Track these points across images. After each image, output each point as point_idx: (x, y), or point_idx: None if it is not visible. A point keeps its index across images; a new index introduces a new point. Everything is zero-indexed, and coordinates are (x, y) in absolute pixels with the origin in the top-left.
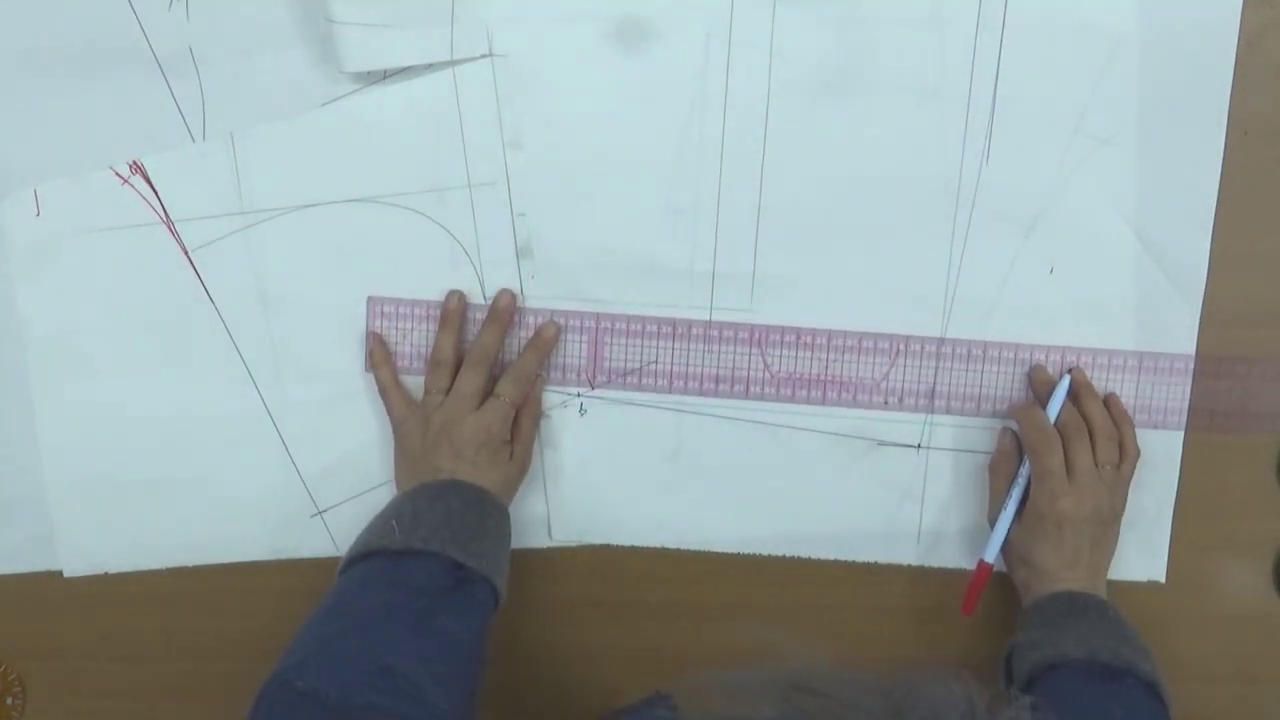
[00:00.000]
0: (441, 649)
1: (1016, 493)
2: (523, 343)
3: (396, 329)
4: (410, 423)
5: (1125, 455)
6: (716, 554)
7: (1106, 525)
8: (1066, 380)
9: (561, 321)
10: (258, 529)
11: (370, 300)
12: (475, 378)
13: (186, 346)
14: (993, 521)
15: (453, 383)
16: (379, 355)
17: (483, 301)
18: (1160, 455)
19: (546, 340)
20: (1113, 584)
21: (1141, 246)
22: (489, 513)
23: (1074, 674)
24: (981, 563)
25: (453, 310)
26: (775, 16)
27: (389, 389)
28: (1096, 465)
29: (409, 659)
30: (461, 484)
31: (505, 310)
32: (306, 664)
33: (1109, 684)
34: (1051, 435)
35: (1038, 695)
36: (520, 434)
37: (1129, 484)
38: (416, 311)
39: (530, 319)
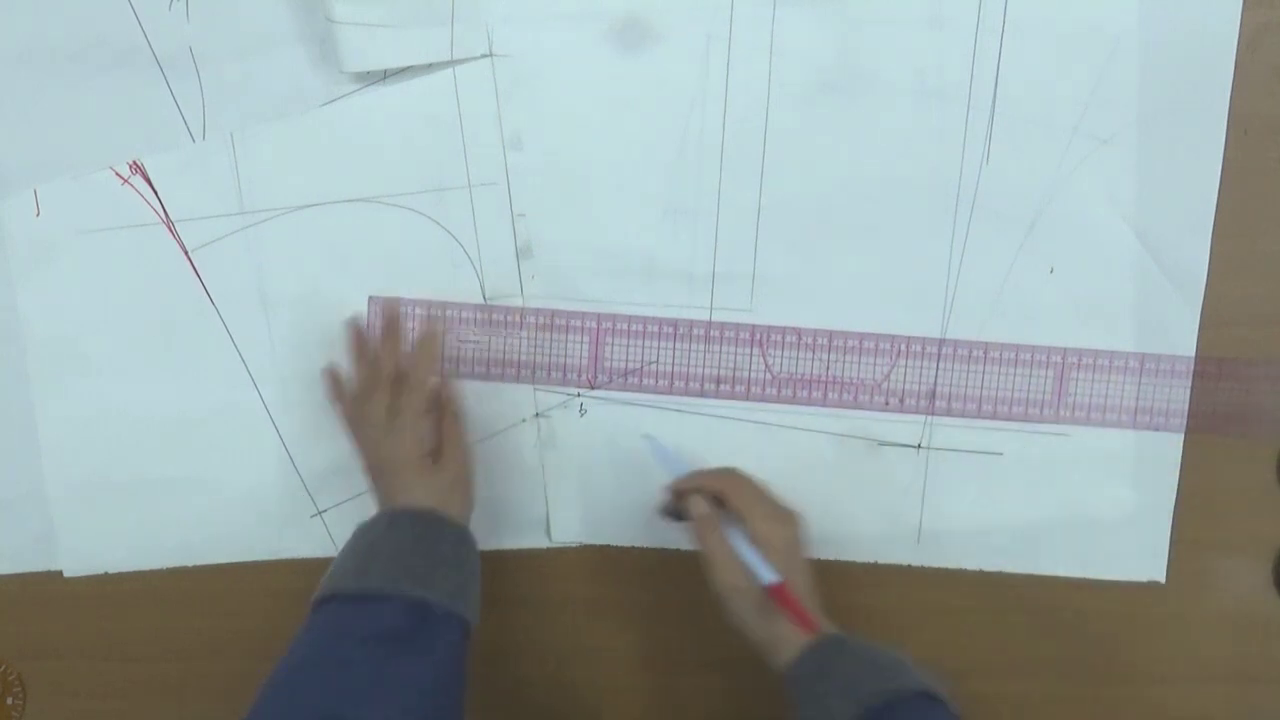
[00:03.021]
0: (402, 696)
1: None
2: (523, 342)
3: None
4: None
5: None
6: None
7: (805, 545)
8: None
9: (562, 322)
10: (258, 529)
11: (371, 300)
12: (378, 399)
13: (186, 346)
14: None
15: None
16: (335, 390)
17: (482, 301)
18: (1160, 456)
19: (431, 338)
20: (1112, 584)
21: (1141, 246)
22: (443, 538)
23: None
24: (778, 586)
25: (393, 320)
26: (775, 17)
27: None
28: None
29: (364, 706)
30: (409, 513)
31: (393, 320)
32: (259, 714)
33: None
34: (731, 474)
35: None
36: (445, 437)
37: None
38: (417, 311)
39: (531, 319)
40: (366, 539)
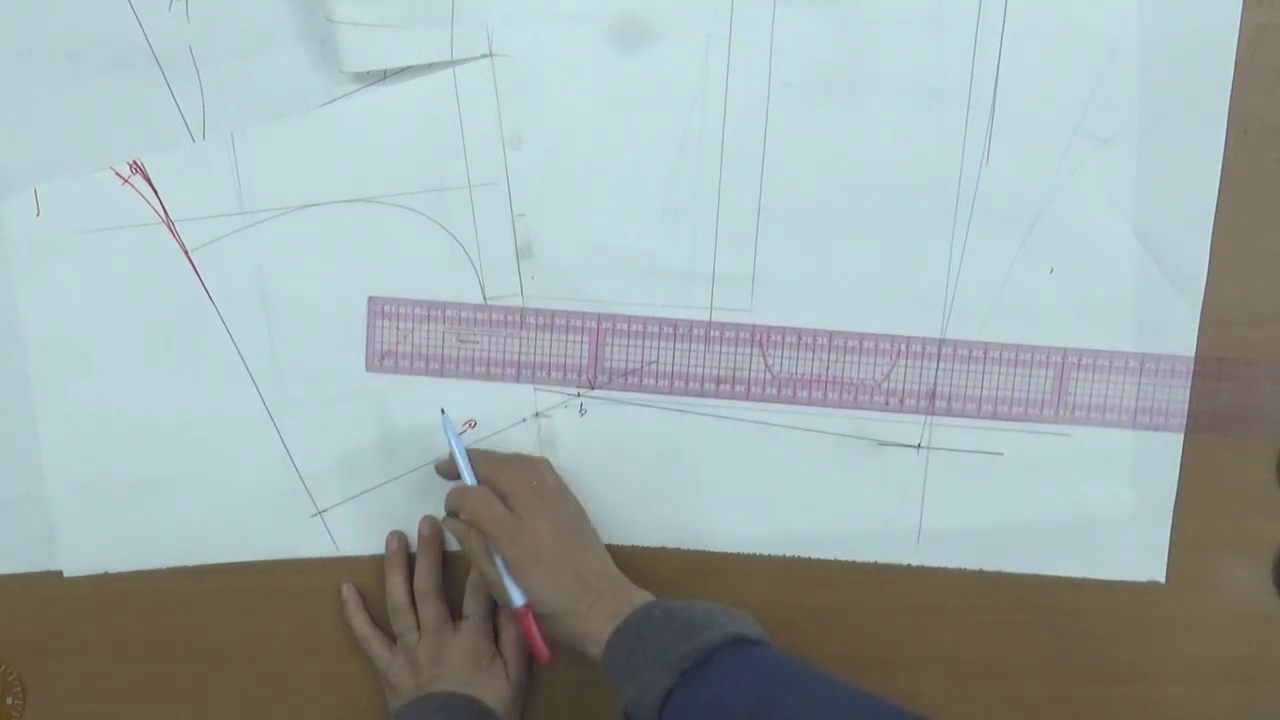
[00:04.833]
0: None
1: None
2: (523, 343)
3: (397, 329)
4: (395, 666)
5: (535, 466)
6: (716, 554)
7: (579, 520)
8: (450, 430)
9: (562, 323)
10: (257, 529)
11: (371, 300)
12: (435, 607)
13: (186, 346)
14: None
15: (417, 619)
16: (353, 604)
17: (482, 301)
18: (1160, 456)
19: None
20: (1112, 584)
21: (1141, 247)
22: None
23: (679, 699)
24: (522, 609)
25: (394, 552)
26: (775, 17)
27: (368, 638)
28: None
29: None
30: (469, 699)
31: (432, 538)
32: None
33: (709, 675)
34: (471, 491)
35: None
36: (508, 652)
37: (559, 487)
38: (417, 311)
39: (531, 319)
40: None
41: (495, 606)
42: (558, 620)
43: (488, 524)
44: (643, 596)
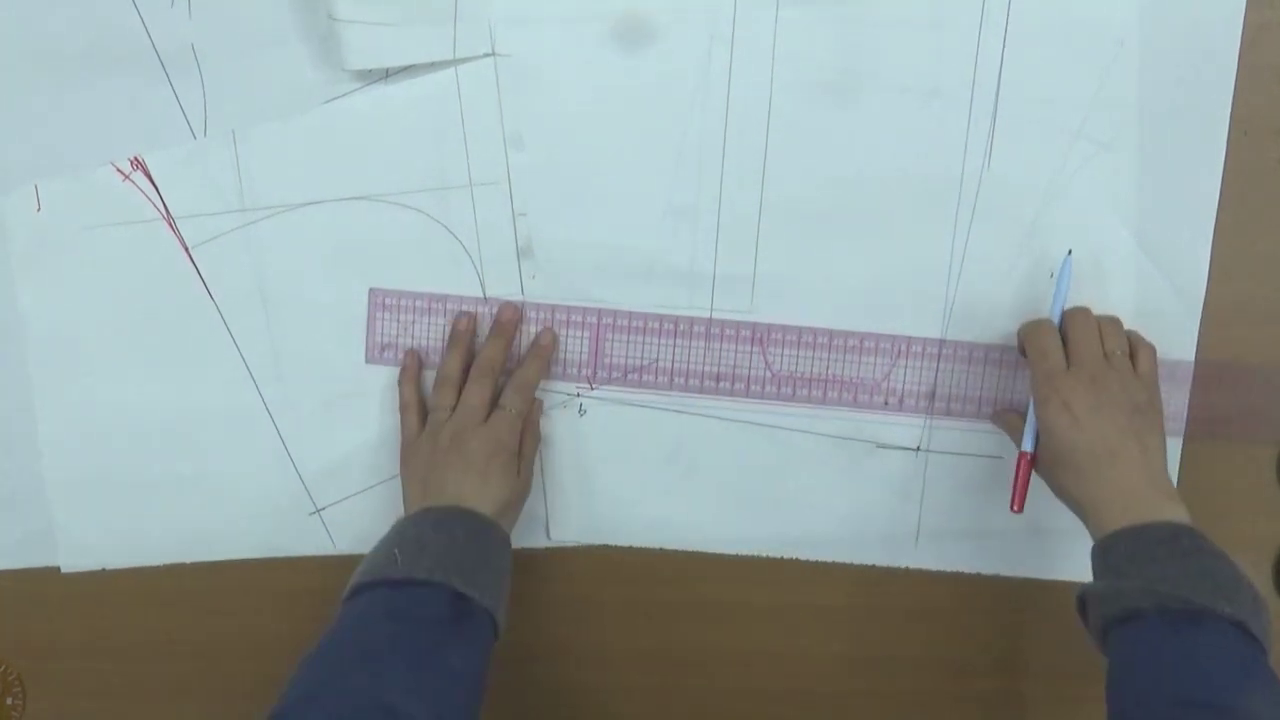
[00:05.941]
0: (443, 685)
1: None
2: (523, 340)
3: (398, 322)
4: (419, 441)
5: (1138, 346)
6: (716, 554)
7: (1141, 413)
8: (1067, 266)
9: (563, 319)
10: (256, 527)
11: (372, 292)
12: (482, 390)
13: (186, 344)
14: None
15: (459, 398)
16: (410, 371)
17: (482, 299)
18: None
19: (545, 348)
20: None
21: (1142, 250)
22: (493, 544)
23: (1144, 627)
24: (1022, 454)
25: (463, 330)
26: (777, 17)
27: (409, 407)
28: (1105, 356)
29: (411, 696)
30: (467, 512)
31: (510, 323)
32: (308, 701)
33: (1185, 632)
34: (1042, 325)
35: (1113, 648)
36: (524, 451)
37: (1154, 376)
38: (418, 304)
39: (531, 316)
40: (414, 532)
41: (531, 408)
42: (1077, 470)
43: (1051, 358)
44: (1178, 511)
